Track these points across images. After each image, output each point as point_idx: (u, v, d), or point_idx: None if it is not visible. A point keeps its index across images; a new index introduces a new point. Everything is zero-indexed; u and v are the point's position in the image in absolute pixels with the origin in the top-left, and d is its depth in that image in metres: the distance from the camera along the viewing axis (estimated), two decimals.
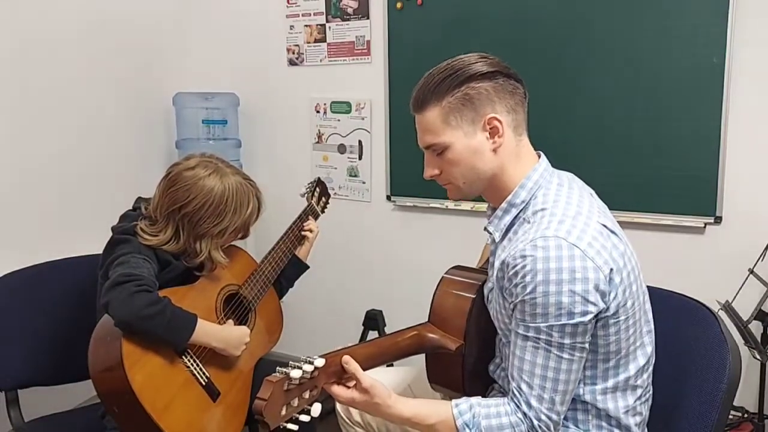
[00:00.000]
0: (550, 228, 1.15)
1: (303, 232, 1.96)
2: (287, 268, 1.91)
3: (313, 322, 2.99)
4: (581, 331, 1.14)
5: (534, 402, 1.16)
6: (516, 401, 1.18)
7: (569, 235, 1.13)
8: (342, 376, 1.21)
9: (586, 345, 1.17)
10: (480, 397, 1.24)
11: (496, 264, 1.24)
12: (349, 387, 1.21)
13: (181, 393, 1.49)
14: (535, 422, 1.16)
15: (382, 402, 1.20)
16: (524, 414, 1.16)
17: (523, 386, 1.17)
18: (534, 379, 1.16)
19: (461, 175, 1.26)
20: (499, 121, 1.21)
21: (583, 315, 1.12)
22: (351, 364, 1.19)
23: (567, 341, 1.14)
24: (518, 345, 1.18)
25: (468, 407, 1.20)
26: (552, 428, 1.17)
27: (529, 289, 1.13)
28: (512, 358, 1.20)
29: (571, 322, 1.12)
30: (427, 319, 1.40)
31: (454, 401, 1.21)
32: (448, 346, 1.34)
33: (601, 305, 1.14)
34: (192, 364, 1.54)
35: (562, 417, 1.19)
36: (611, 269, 1.14)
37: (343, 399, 1.21)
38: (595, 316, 1.14)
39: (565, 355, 1.15)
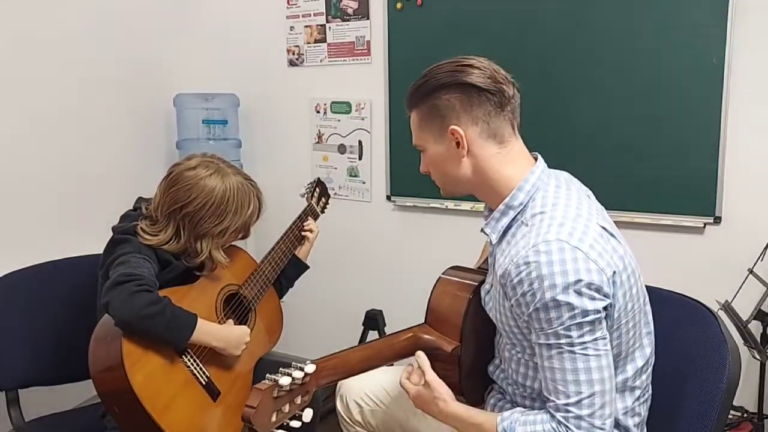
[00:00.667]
0: (551, 232, 1.15)
1: (303, 233, 1.96)
2: (287, 268, 1.91)
3: (313, 322, 2.99)
4: (598, 325, 1.13)
5: (573, 409, 1.13)
6: (552, 412, 1.16)
7: (571, 238, 1.13)
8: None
9: (607, 336, 1.15)
10: (523, 408, 1.26)
11: (497, 269, 1.24)
12: (414, 383, 1.30)
13: (182, 393, 1.49)
14: (575, 430, 1.13)
15: (440, 397, 1.26)
16: (558, 422, 1.14)
17: (561, 396, 1.14)
18: (568, 386, 1.13)
19: (438, 177, 1.33)
20: (460, 134, 1.23)
21: (595, 313, 1.12)
22: (422, 358, 1.31)
23: (588, 338, 1.13)
24: (544, 356, 1.17)
25: (510, 413, 1.21)
26: None
27: (538, 296, 1.13)
28: (543, 372, 1.18)
29: (586, 319, 1.12)
30: (424, 320, 1.40)
31: (503, 411, 1.25)
32: (443, 347, 1.34)
33: (609, 300, 1.14)
34: (192, 364, 1.54)
35: (607, 424, 1.14)
36: (613, 272, 1.15)
37: (411, 393, 1.30)
38: (605, 308, 1.14)
39: (591, 352, 1.13)
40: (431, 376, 1.27)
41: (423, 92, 1.27)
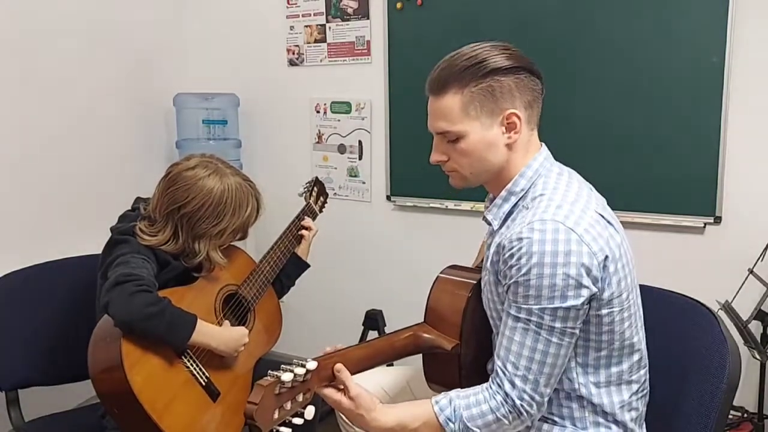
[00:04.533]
0: (548, 212, 1.16)
1: (300, 231, 1.95)
2: (288, 267, 1.91)
3: (313, 322, 2.99)
4: (572, 315, 1.15)
5: (518, 382, 1.17)
6: (498, 381, 1.18)
7: (567, 220, 1.15)
8: (331, 380, 1.22)
9: (576, 331, 1.17)
10: (458, 389, 1.24)
11: (492, 248, 1.25)
12: (339, 390, 1.22)
13: (181, 393, 1.49)
14: (518, 402, 1.16)
15: (365, 414, 1.20)
16: (506, 394, 1.17)
17: (509, 366, 1.17)
18: (521, 360, 1.16)
19: (470, 166, 1.25)
20: (518, 117, 1.22)
21: (575, 298, 1.13)
22: (343, 373, 1.20)
23: (558, 325, 1.14)
24: (508, 325, 1.19)
25: (448, 402, 1.20)
26: (535, 408, 1.17)
27: (523, 271, 1.14)
28: (500, 338, 1.20)
29: (564, 305, 1.13)
30: (423, 320, 1.40)
31: (434, 398, 1.21)
32: (443, 346, 1.34)
33: (594, 290, 1.15)
34: (191, 365, 1.54)
35: (545, 399, 1.19)
36: (606, 257, 1.16)
37: (331, 401, 1.22)
38: (588, 301, 1.15)
39: (554, 339, 1.15)
40: (355, 391, 1.19)
41: (478, 73, 1.19)
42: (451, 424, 1.18)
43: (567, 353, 1.18)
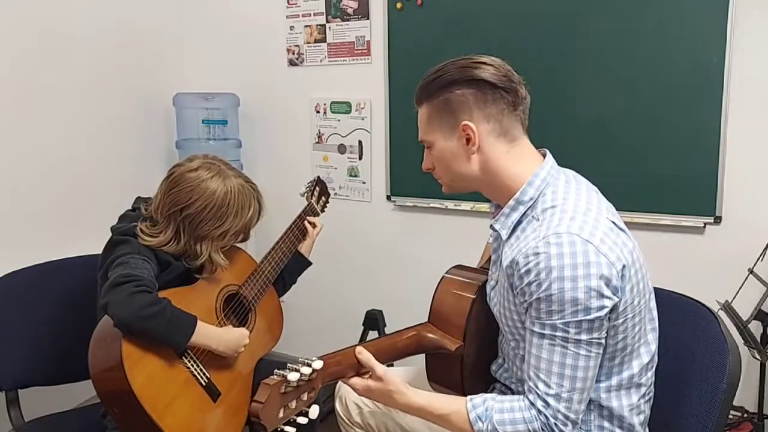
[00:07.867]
0: (561, 225, 1.15)
1: (305, 224, 1.96)
2: (290, 264, 1.91)
3: (313, 322, 2.99)
4: (597, 326, 1.14)
5: (552, 401, 1.15)
6: (531, 399, 1.17)
7: (582, 231, 1.14)
8: (358, 370, 1.24)
9: (603, 341, 1.16)
10: (495, 393, 1.25)
11: (504, 262, 1.24)
12: (363, 377, 1.24)
13: (182, 393, 1.49)
14: (551, 420, 1.15)
15: (396, 389, 1.23)
16: (539, 411, 1.16)
17: (540, 385, 1.16)
18: (551, 377, 1.15)
19: (444, 174, 1.31)
20: (473, 130, 1.22)
21: (599, 310, 1.12)
22: (364, 354, 1.23)
23: (584, 337, 1.13)
24: (534, 343, 1.17)
25: (482, 401, 1.21)
26: (570, 427, 1.16)
27: (544, 287, 1.13)
28: (528, 357, 1.19)
29: (588, 317, 1.12)
30: (427, 319, 1.40)
31: (469, 396, 1.23)
32: (447, 347, 1.34)
33: (615, 299, 1.14)
34: (192, 365, 1.54)
35: (580, 416, 1.17)
36: (623, 266, 1.15)
37: (360, 388, 1.24)
38: (610, 310, 1.14)
39: (582, 352, 1.14)
40: (381, 370, 1.22)
41: (436, 86, 1.25)
42: (480, 423, 1.18)
43: (597, 364, 1.17)
